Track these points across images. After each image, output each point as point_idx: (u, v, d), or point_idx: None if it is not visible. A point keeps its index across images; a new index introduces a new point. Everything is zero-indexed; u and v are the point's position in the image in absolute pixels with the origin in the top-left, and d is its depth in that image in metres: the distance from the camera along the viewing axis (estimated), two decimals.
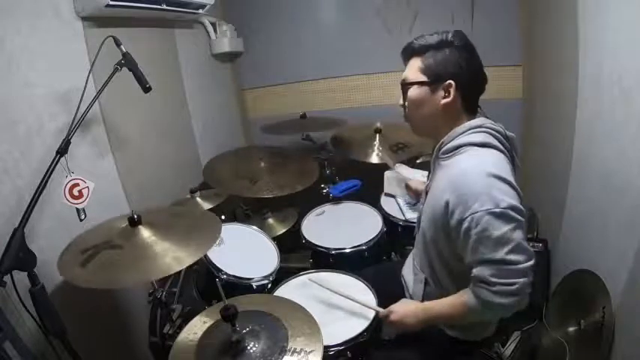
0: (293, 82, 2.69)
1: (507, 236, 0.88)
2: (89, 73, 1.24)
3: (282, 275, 1.46)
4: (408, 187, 1.70)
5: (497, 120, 1.05)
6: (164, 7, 1.68)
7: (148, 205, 1.57)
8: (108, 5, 1.37)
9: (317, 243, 1.65)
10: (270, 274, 1.46)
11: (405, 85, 1.07)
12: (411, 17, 2.36)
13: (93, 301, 1.32)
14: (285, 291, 1.33)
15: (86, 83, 1.21)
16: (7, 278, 0.92)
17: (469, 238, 0.91)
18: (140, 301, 1.56)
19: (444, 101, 1.02)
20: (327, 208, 1.93)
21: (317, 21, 2.57)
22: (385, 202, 1.88)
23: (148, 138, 1.82)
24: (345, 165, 2.19)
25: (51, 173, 1.04)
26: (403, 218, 1.74)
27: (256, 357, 0.91)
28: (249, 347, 0.93)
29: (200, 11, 1.97)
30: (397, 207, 1.83)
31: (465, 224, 0.91)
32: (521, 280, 0.89)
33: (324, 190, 2.02)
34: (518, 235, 0.89)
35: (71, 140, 1.10)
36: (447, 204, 0.95)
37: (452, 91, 1.00)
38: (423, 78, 1.03)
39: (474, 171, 0.93)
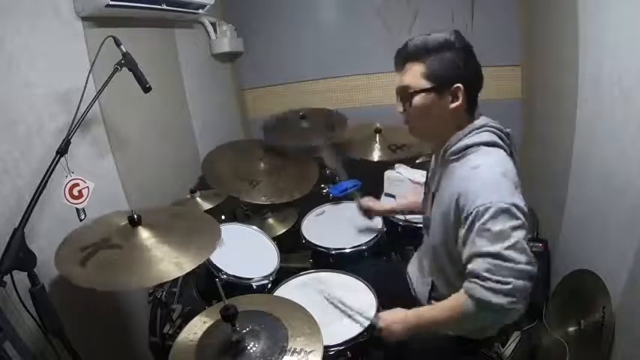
0: (293, 82, 2.68)
1: (508, 232, 0.87)
2: (89, 73, 1.24)
3: (282, 275, 1.46)
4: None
5: (497, 120, 1.05)
6: (164, 7, 1.68)
7: (147, 205, 1.57)
8: (108, 5, 1.37)
9: (317, 243, 1.65)
10: (270, 274, 1.46)
11: (410, 93, 1.02)
12: (411, 17, 2.36)
13: (93, 301, 1.32)
14: (285, 291, 1.33)
15: (86, 83, 1.21)
16: (7, 278, 0.92)
17: (471, 231, 0.91)
18: (140, 301, 1.56)
19: (452, 105, 1.00)
20: (327, 208, 1.93)
21: (317, 21, 2.57)
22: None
23: (147, 138, 1.82)
24: (345, 165, 2.19)
25: (51, 173, 1.04)
26: (403, 218, 1.73)
27: (256, 357, 0.91)
28: (249, 347, 0.93)
29: (200, 11, 1.97)
30: None
31: (471, 217, 0.91)
32: (518, 281, 0.85)
33: (324, 190, 2.02)
34: (519, 234, 0.88)
35: (71, 140, 1.10)
36: (458, 198, 0.95)
37: (460, 94, 0.99)
38: (429, 84, 1.00)
39: (487, 167, 0.94)
